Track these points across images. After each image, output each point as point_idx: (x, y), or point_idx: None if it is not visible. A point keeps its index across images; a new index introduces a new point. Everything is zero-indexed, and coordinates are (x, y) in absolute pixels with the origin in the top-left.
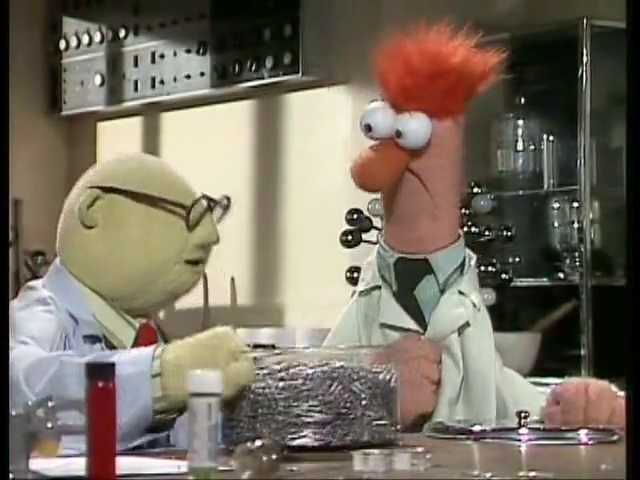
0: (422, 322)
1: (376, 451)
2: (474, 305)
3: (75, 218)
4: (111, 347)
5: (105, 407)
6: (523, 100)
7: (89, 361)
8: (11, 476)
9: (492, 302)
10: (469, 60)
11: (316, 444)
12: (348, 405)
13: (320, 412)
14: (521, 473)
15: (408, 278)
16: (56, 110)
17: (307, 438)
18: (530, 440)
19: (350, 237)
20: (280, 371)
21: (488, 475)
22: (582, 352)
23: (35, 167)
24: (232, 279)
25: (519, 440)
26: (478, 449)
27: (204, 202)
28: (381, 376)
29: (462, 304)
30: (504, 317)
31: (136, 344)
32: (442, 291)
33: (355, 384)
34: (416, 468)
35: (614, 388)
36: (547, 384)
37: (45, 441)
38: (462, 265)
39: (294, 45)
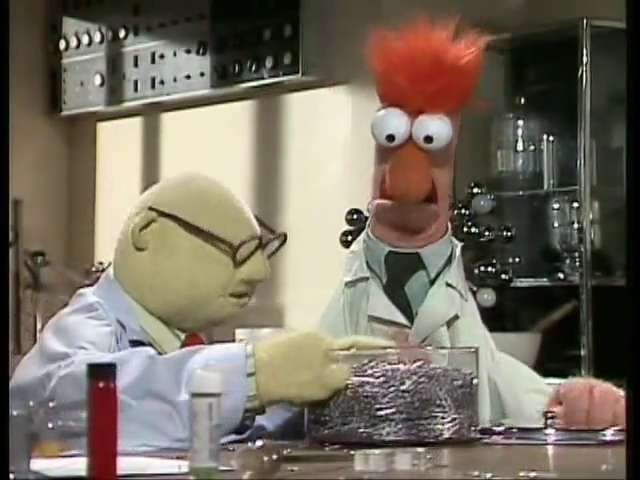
0: (410, 315)
1: (377, 451)
2: (461, 296)
3: (128, 237)
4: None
5: (106, 407)
6: (523, 100)
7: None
8: (12, 476)
9: (492, 302)
10: (477, 55)
11: (408, 439)
12: (442, 403)
13: (415, 409)
14: (522, 473)
15: (399, 272)
16: (56, 110)
17: (400, 434)
18: (557, 441)
19: (350, 237)
20: (374, 368)
21: (488, 475)
22: (582, 352)
23: (35, 167)
24: None
25: (545, 440)
26: (480, 449)
27: (255, 240)
28: (467, 377)
29: (450, 297)
30: (504, 317)
31: None
32: (431, 282)
33: (446, 382)
34: (417, 468)
35: (617, 390)
36: (547, 385)
37: (46, 441)
38: (450, 256)
39: (294, 45)
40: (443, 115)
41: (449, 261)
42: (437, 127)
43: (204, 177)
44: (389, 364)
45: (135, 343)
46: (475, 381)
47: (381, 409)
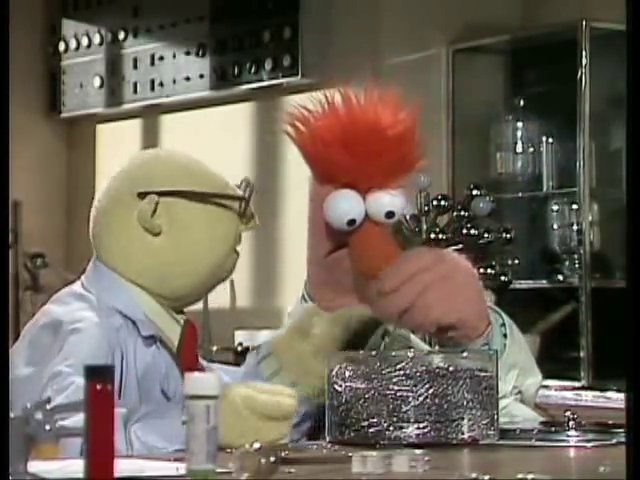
0: None
1: (374, 453)
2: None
3: (134, 227)
4: (164, 345)
5: (103, 409)
6: (522, 102)
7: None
8: (10, 478)
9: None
10: (413, 115)
11: (434, 441)
12: (469, 405)
13: (443, 411)
14: (519, 475)
15: (354, 339)
16: (55, 112)
17: (427, 436)
18: (580, 441)
19: None
20: (401, 370)
21: (486, 477)
22: (581, 354)
23: (34, 169)
24: (231, 281)
25: (567, 442)
26: (480, 451)
27: (247, 190)
28: (488, 378)
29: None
30: None
31: (182, 340)
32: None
33: (472, 384)
34: (414, 470)
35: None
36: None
37: (43, 444)
38: None
39: (293, 47)
40: (396, 186)
41: None
42: (396, 202)
43: (167, 150)
44: (417, 366)
45: (147, 339)
46: (493, 382)
47: (409, 411)
